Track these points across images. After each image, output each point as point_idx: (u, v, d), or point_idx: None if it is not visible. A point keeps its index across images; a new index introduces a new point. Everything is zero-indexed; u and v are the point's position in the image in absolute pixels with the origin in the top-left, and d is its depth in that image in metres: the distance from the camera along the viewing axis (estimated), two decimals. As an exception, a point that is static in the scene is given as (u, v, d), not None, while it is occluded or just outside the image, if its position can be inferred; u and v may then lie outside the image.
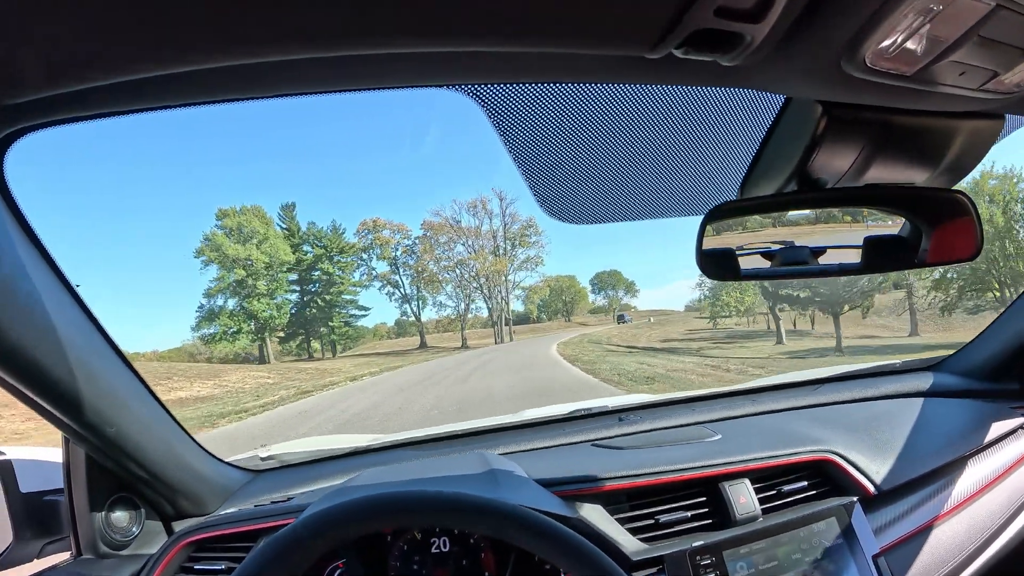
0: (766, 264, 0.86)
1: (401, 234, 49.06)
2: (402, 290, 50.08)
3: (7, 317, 0.68)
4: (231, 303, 40.05)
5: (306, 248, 46.75)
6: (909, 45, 0.53)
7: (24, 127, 0.61)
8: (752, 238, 0.86)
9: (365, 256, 49.42)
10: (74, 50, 0.47)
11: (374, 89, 0.60)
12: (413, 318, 51.41)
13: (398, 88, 0.61)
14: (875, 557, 0.99)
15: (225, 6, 0.43)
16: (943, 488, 1.13)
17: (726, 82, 0.63)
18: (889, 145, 0.76)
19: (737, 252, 0.82)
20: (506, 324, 50.11)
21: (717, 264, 0.80)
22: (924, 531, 1.07)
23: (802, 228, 0.90)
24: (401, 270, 49.58)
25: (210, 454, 1.17)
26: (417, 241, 49.20)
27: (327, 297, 47.04)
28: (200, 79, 0.55)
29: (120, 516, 1.04)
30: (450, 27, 0.47)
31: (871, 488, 1.07)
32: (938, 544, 1.06)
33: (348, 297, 47.96)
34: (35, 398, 0.79)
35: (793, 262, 0.87)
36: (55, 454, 1.07)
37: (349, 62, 0.54)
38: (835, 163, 0.77)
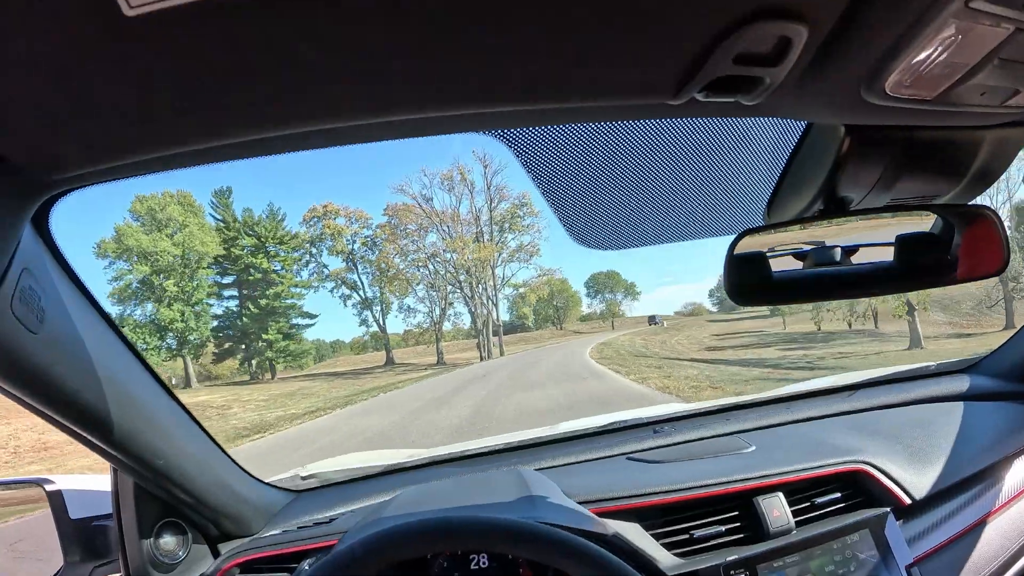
0: (798, 281, 0.85)
1: (360, 222, 38.97)
2: (361, 292, 40.12)
3: (63, 368, 0.71)
4: (140, 311, 30.92)
5: (245, 243, 37.33)
6: (929, 73, 0.53)
7: (65, 190, 0.63)
8: (782, 261, 0.86)
9: (314, 250, 39.27)
10: (108, 136, 0.50)
11: (408, 137, 0.62)
12: (379, 327, 41.67)
13: (428, 135, 0.63)
14: (909, 567, 0.99)
15: (261, 86, 0.45)
16: (979, 495, 1.12)
17: (749, 114, 0.63)
18: (913, 161, 0.75)
19: (774, 275, 0.82)
20: (493, 334, 39.99)
21: (747, 289, 0.81)
22: (959, 540, 1.06)
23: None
24: (359, 267, 39.69)
25: (252, 476, 1.20)
26: (379, 230, 38.65)
27: (262, 302, 36.70)
28: (235, 148, 0.57)
29: (167, 540, 1.07)
30: (482, 92, 0.49)
31: (905, 498, 1.06)
32: (974, 552, 1.05)
33: (291, 301, 38.56)
34: (85, 435, 0.82)
35: (826, 279, 0.87)
36: (103, 481, 1.11)
37: (383, 124, 0.55)
38: (859, 183, 0.77)
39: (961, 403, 1.36)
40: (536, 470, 1.20)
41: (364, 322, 42.36)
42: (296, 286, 39.05)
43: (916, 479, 1.09)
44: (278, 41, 0.40)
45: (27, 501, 1.25)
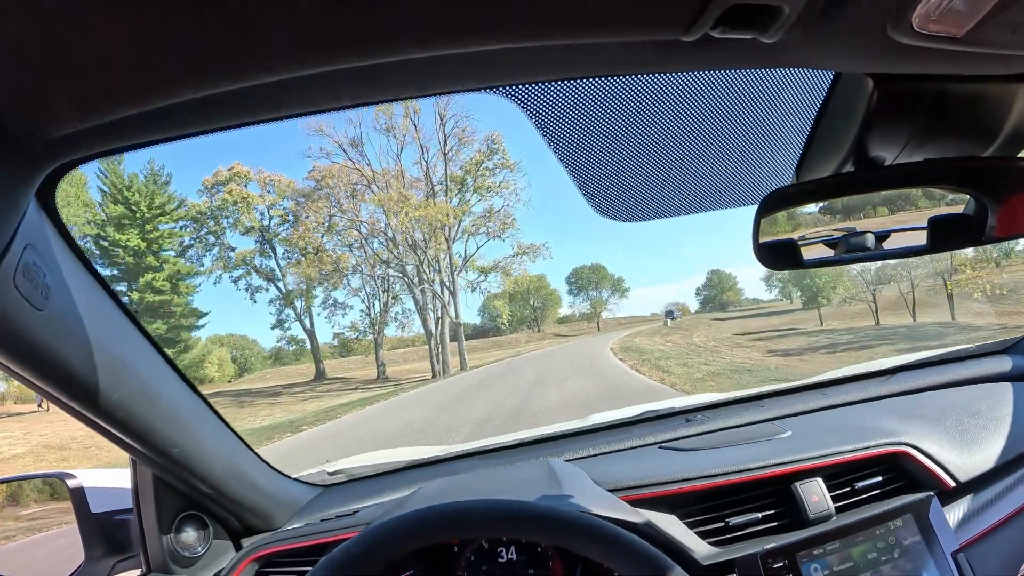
0: (828, 250, 0.82)
1: (278, 190, 27.83)
2: (280, 284, 28.55)
3: (67, 345, 0.70)
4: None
5: (110, 212, 26.88)
6: (958, 5, 0.50)
7: (67, 162, 0.63)
8: (812, 223, 0.83)
9: (214, 224, 27.59)
10: (100, 81, 0.48)
11: (413, 98, 0.60)
12: (304, 329, 30.23)
13: (436, 95, 0.61)
14: (955, 554, 0.94)
15: (251, 25, 0.43)
16: None
17: (769, 62, 0.60)
18: (946, 116, 0.72)
19: (799, 240, 0.79)
20: (452, 338, 28.37)
21: (776, 252, 0.77)
22: (1006, 524, 1.00)
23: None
24: (278, 249, 27.98)
25: (276, 470, 1.20)
26: (302, 201, 27.09)
27: (133, 295, 26.61)
28: (231, 100, 0.56)
29: (188, 533, 1.07)
30: (480, 26, 0.47)
31: (949, 481, 1.01)
32: (1021, 537, 0.99)
33: (175, 295, 27.86)
34: (102, 423, 0.81)
35: (858, 249, 0.83)
36: (123, 475, 1.11)
37: (382, 70, 0.53)
38: (891, 139, 0.73)
39: (1004, 384, 1.30)
40: (567, 460, 1.17)
41: (282, 323, 31.43)
42: (184, 274, 28.46)
43: (960, 461, 1.03)
44: None
45: (49, 495, 1.26)
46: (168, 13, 0.41)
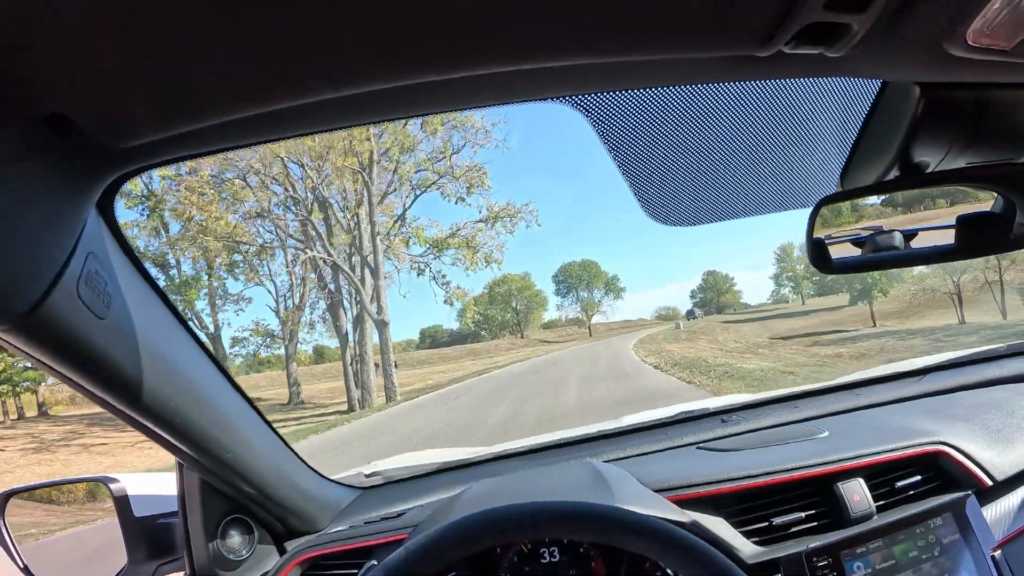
0: (858, 253, 0.84)
1: None
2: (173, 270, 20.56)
3: (131, 355, 0.71)
4: None
5: None
6: (1008, 18, 0.52)
7: (135, 168, 0.64)
8: (849, 229, 0.84)
9: None
10: (181, 95, 0.49)
11: (486, 106, 0.62)
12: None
13: (506, 104, 0.63)
14: (993, 551, 0.95)
15: (332, 41, 0.44)
16: None
17: (829, 72, 0.63)
18: (988, 122, 0.74)
19: (825, 240, 0.81)
20: (394, 364, 19.33)
21: (828, 257, 0.79)
22: None
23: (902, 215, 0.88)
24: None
25: (318, 473, 1.21)
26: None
27: None
28: (292, 113, 0.57)
29: (233, 537, 1.08)
30: (560, 43, 0.48)
31: (986, 479, 1.02)
32: None
33: None
34: (158, 430, 0.82)
35: (890, 249, 0.85)
36: (167, 479, 1.12)
37: (456, 82, 0.55)
38: (935, 145, 0.75)
39: None
40: (605, 461, 1.18)
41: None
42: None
43: (997, 460, 1.05)
44: None
45: (93, 499, 1.27)
46: (242, 34, 0.42)
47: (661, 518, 0.82)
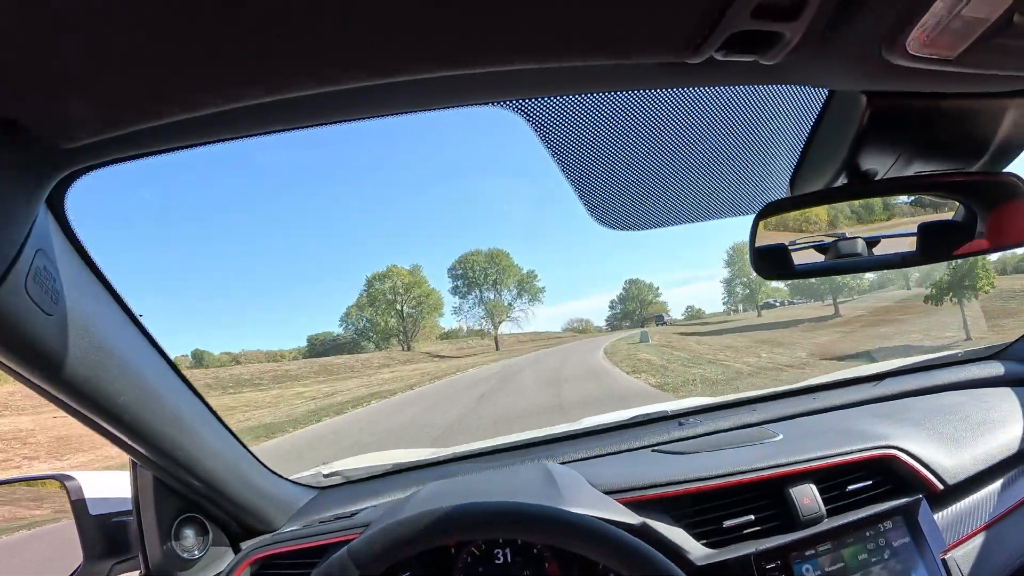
0: (820, 259, 0.85)
1: None
2: None
3: (75, 349, 0.71)
4: None
5: None
6: (949, 29, 0.52)
7: (82, 168, 0.63)
8: (805, 233, 0.85)
9: None
10: (126, 95, 0.49)
11: (422, 111, 0.62)
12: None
13: (445, 108, 0.62)
14: (943, 555, 0.96)
15: (274, 45, 0.44)
16: (1012, 481, 1.09)
17: (768, 80, 0.63)
18: (937, 131, 0.74)
19: (790, 248, 0.81)
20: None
21: (772, 262, 0.80)
22: (993, 526, 1.03)
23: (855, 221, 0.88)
24: None
25: (274, 472, 1.20)
26: None
27: None
28: (249, 113, 0.57)
29: (188, 536, 1.07)
30: (493, 48, 0.48)
31: (937, 484, 1.04)
32: (1009, 538, 1.02)
33: None
34: (107, 427, 0.82)
35: (848, 255, 0.86)
36: (123, 477, 1.11)
37: (396, 87, 0.55)
38: (883, 153, 0.76)
39: (991, 388, 1.33)
40: (561, 463, 1.19)
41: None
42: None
43: (948, 464, 1.06)
44: None
45: (47, 497, 1.25)
46: (192, 31, 0.42)
47: (608, 519, 0.83)
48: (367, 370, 30.31)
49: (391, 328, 41.68)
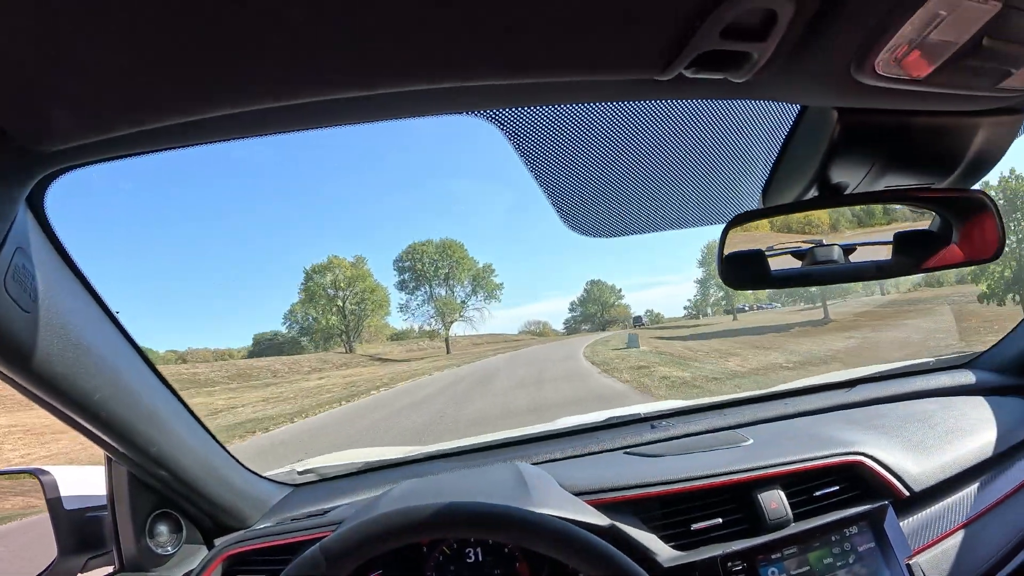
0: (795, 267, 0.85)
1: None
2: None
3: (52, 346, 0.71)
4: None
5: None
6: (918, 51, 0.53)
7: (59, 169, 0.63)
8: (778, 243, 0.86)
9: None
10: (105, 101, 0.50)
11: (395, 119, 0.62)
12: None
13: (419, 117, 0.63)
14: (908, 560, 0.98)
15: (250, 58, 0.45)
16: (979, 488, 1.12)
17: (739, 95, 0.63)
18: (907, 148, 0.75)
19: (767, 254, 0.82)
20: None
21: (741, 273, 0.81)
22: (959, 532, 1.05)
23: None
24: None
25: (248, 469, 1.20)
26: None
27: None
28: (227, 121, 0.57)
29: (162, 532, 1.07)
30: (467, 64, 0.49)
31: (904, 490, 1.06)
32: (974, 545, 1.04)
33: None
34: (83, 422, 0.82)
35: (823, 262, 0.86)
36: (97, 473, 1.11)
37: (374, 98, 0.56)
38: (853, 168, 0.77)
39: (960, 397, 1.36)
40: (533, 464, 1.20)
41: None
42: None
43: (915, 471, 1.08)
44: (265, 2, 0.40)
45: (22, 491, 1.25)
46: (168, 40, 0.42)
47: (576, 521, 0.84)
48: (294, 375, 25.89)
49: (332, 327, 36.87)
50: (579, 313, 63.30)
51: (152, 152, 0.66)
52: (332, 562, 0.75)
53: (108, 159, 0.65)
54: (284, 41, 0.43)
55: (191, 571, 1.04)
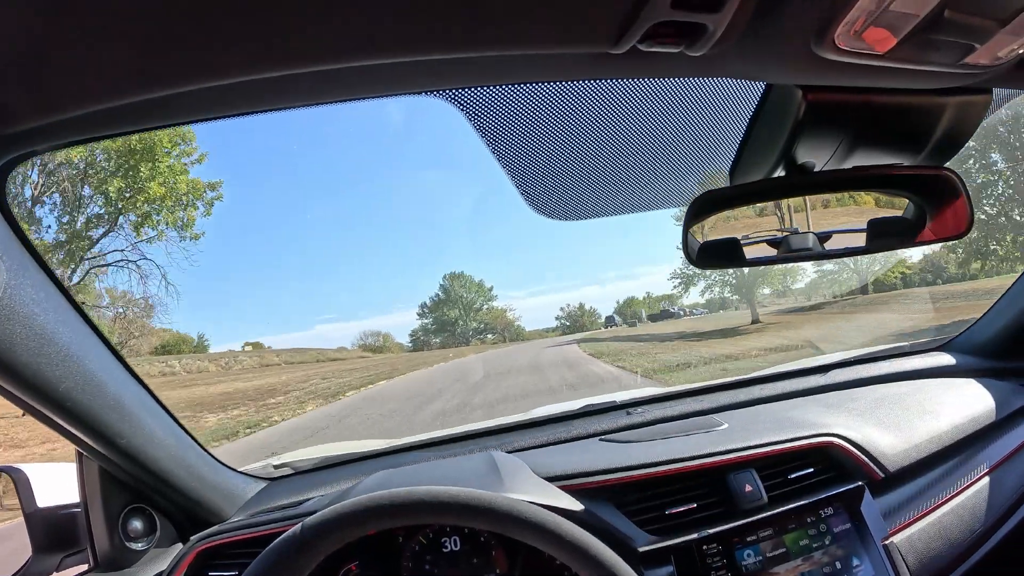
0: (770, 250, 0.86)
1: None
2: None
3: (16, 335, 0.70)
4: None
5: None
6: (878, 24, 0.52)
7: (21, 154, 0.63)
8: (751, 224, 0.86)
9: None
10: (58, 82, 0.49)
11: (357, 99, 0.62)
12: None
13: (379, 97, 0.62)
14: (884, 541, 0.99)
15: (207, 33, 0.44)
16: (952, 469, 1.13)
17: (699, 72, 0.63)
18: (873, 126, 0.75)
19: (741, 240, 0.82)
20: None
21: (708, 251, 0.81)
22: (934, 513, 1.06)
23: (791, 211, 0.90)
24: None
25: (222, 463, 1.19)
26: None
27: None
28: (187, 99, 0.56)
29: (136, 527, 1.06)
30: (418, 36, 0.49)
31: (878, 472, 1.06)
32: (949, 525, 1.05)
33: None
34: (49, 414, 0.81)
35: (799, 247, 0.87)
36: (71, 470, 1.10)
37: (332, 74, 0.55)
38: (820, 147, 0.77)
39: (934, 379, 1.37)
40: (509, 452, 1.20)
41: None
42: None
43: (889, 453, 1.09)
44: None
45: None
46: (122, 17, 0.42)
47: (548, 505, 0.84)
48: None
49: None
50: (430, 320, 47.10)
51: (115, 135, 0.65)
52: (312, 541, 0.75)
53: (72, 143, 0.64)
54: (237, 14, 0.43)
55: (166, 566, 1.03)
